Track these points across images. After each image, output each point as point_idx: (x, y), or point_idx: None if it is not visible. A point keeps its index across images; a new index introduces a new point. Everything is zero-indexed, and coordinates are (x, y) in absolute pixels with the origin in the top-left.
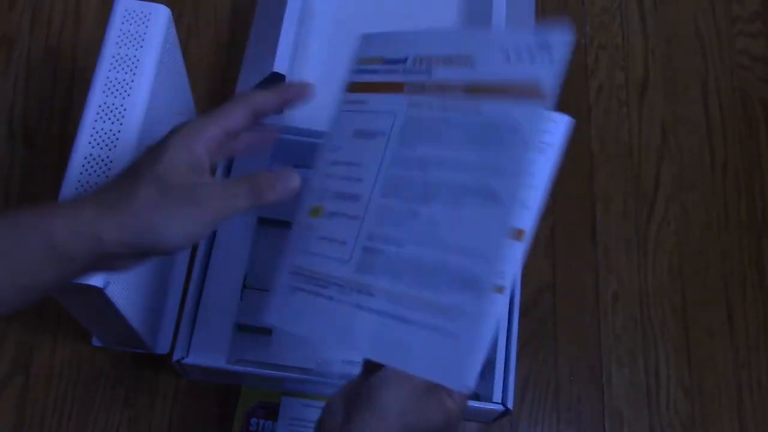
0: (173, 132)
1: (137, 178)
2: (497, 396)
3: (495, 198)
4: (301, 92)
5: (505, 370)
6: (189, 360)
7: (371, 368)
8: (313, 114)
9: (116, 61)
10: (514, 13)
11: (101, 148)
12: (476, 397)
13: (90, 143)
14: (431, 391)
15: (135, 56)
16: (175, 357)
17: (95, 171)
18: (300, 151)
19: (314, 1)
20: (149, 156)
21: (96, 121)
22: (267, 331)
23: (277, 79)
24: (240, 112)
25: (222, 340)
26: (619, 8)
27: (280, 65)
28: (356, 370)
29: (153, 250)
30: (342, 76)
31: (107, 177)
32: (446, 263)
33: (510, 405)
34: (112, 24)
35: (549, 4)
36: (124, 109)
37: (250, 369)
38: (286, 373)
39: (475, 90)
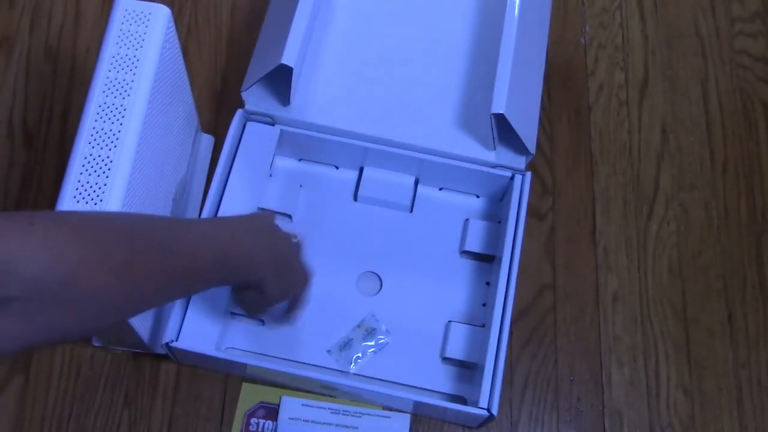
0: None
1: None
2: (483, 401)
3: None
4: None
5: (493, 375)
6: (178, 344)
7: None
8: (322, 108)
9: (116, 61)
10: (528, 11)
11: (101, 148)
12: (463, 401)
13: (90, 143)
14: None
15: (135, 56)
16: (165, 339)
17: (95, 171)
18: (307, 145)
19: None
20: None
21: (96, 121)
22: (259, 321)
23: (284, 70)
24: None
25: (213, 327)
26: (619, 8)
27: (288, 58)
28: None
29: None
30: (354, 70)
31: (107, 177)
32: None
33: (495, 411)
34: (112, 24)
35: None
36: (124, 109)
37: (239, 358)
38: (278, 366)
39: None
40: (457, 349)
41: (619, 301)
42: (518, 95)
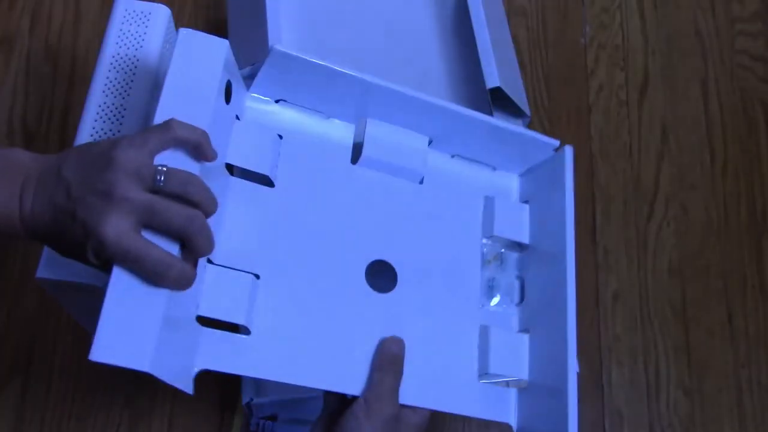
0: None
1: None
2: None
3: None
4: (208, 154)
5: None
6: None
7: (332, 402)
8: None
9: (116, 61)
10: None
11: None
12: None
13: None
14: (398, 417)
15: (135, 56)
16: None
17: None
18: (291, 76)
19: None
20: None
21: (96, 121)
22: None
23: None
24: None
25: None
26: (619, 8)
27: (274, 39)
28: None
29: None
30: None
31: None
32: None
33: None
34: (112, 24)
35: (549, 4)
36: (124, 109)
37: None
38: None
39: None
40: (500, 362)
41: (619, 301)
42: (504, 66)
